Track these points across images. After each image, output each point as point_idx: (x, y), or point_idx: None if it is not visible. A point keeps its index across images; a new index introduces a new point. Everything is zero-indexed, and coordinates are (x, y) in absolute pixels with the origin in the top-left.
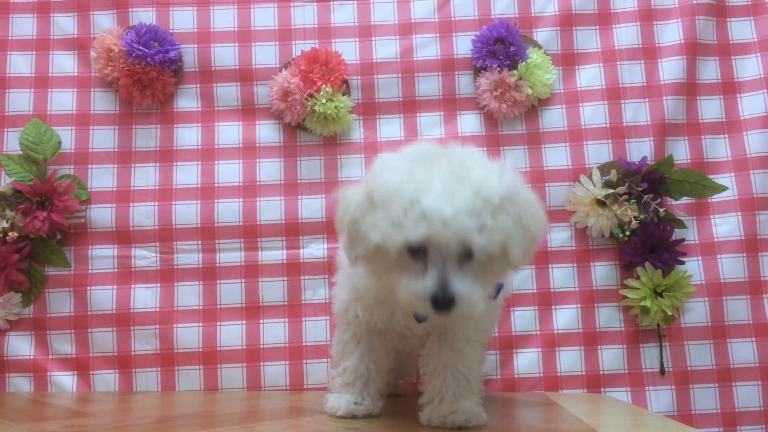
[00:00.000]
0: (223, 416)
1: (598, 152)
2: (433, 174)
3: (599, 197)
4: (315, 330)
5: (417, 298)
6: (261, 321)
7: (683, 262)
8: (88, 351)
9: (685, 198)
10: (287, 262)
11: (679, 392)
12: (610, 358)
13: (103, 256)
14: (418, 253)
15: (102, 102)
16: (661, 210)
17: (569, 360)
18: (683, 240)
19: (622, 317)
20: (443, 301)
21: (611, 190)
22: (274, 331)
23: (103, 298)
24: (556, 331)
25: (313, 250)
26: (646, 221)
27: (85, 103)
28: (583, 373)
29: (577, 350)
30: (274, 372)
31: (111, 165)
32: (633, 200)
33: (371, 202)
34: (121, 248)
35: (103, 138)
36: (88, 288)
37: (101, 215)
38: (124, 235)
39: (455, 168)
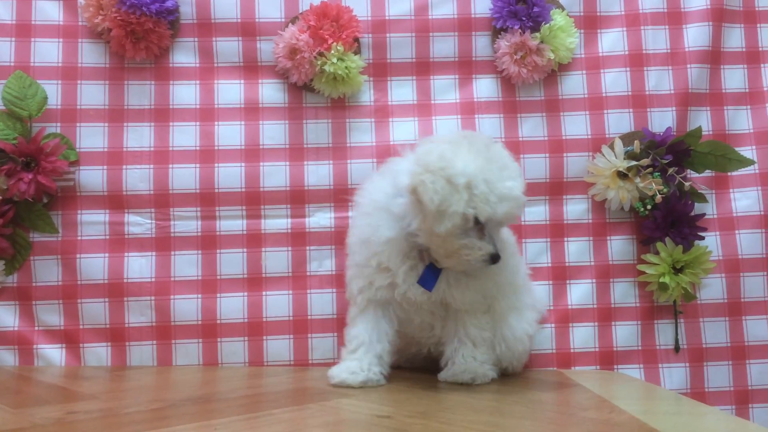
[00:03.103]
0: (225, 401)
1: (619, 122)
2: (494, 162)
3: (621, 169)
4: (321, 303)
5: (480, 257)
6: (264, 293)
7: (703, 238)
8: (77, 323)
9: (706, 171)
10: (292, 231)
11: (693, 370)
12: (624, 334)
13: (93, 221)
14: (479, 222)
15: (91, 54)
16: (687, 184)
17: (583, 336)
18: (703, 215)
19: (637, 293)
20: (498, 257)
21: (634, 162)
22: (277, 304)
23: (93, 266)
24: (570, 307)
25: (320, 219)
26: (668, 195)
27: (71, 56)
28: (597, 349)
29: (591, 326)
30: (278, 346)
31: (101, 124)
32: (657, 173)
33: (454, 186)
34: (114, 214)
35: (93, 94)
36: (78, 256)
37: (91, 178)
38: (116, 200)
39: (504, 159)
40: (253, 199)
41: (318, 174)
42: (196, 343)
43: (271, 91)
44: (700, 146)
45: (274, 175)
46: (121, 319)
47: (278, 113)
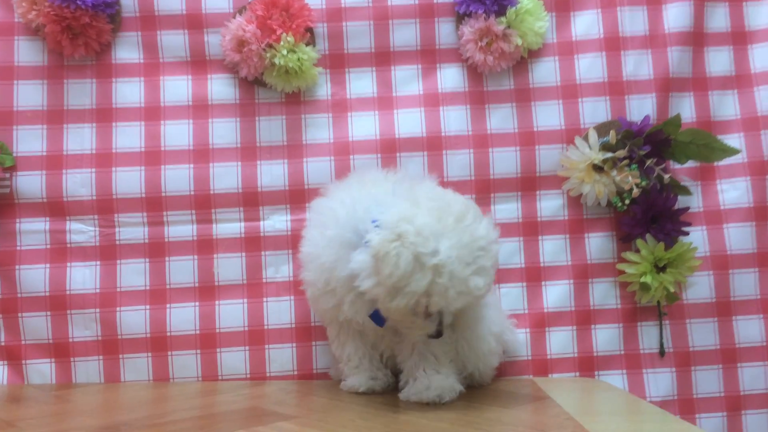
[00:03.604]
0: (175, 422)
1: (595, 111)
2: (470, 250)
3: (596, 162)
4: (278, 311)
5: (421, 334)
6: (217, 302)
7: (687, 233)
8: (19, 338)
9: (689, 161)
10: (246, 236)
11: (680, 375)
12: (605, 338)
13: (33, 230)
14: None
15: (28, 52)
16: (666, 176)
17: (560, 341)
18: (687, 208)
19: (618, 294)
20: (440, 334)
21: (610, 154)
22: (231, 314)
23: (34, 278)
24: (546, 310)
25: (275, 222)
26: (647, 188)
27: (7, 54)
28: (575, 355)
29: (569, 330)
30: (233, 359)
31: (39, 126)
32: (634, 165)
33: (420, 265)
34: (54, 222)
35: (30, 94)
36: (17, 267)
37: (29, 184)
38: (56, 207)
39: (482, 243)
40: (203, 203)
41: (272, 174)
42: (145, 357)
43: (220, 87)
44: (681, 135)
45: (225, 177)
46: (64, 334)
47: (229, 110)
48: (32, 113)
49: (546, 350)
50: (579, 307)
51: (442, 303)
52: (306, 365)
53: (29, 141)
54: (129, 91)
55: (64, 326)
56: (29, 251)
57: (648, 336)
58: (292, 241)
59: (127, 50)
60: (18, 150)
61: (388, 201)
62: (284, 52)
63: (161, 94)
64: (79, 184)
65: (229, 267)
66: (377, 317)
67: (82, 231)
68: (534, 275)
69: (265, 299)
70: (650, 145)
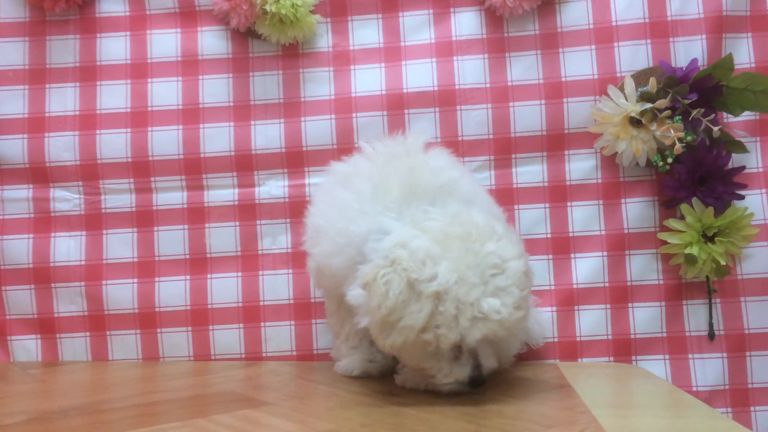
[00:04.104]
0: (165, 406)
1: (634, 56)
2: (478, 269)
3: (633, 114)
4: (274, 286)
5: (458, 382)
6: (209, 276)
7: (743, 197)
8: (3, 313)
9: (746, 113)
10: (239, 203)
11: (733, 361)
12: (645, 319)
13: (16, 198)
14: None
15: (8, 7)
16: (715, 129)
17: (592, 321)
18: (743, 168)
19: (660, 268)
20: (481, 382)
21: (649, 105)
22: (224, 288)
23: (18, 249)
24: (575, 286)
25: (271, 188)
26: (694, 144)
27: None
28: (610, 337)
29: (602, 309)
30: (226, 338)
31: (21, 87)
32: (678, 117)
33: (415, 293)
34: (38, 189)
35: (11, 53)
36: (0, 237)
37: (11, 149)
38: (39, 173)
39: (494, 259)
40: (194, 168)
41: (267, 135)
42: (133, 334)
43: (211, 40)
44: (734, 81)
45: (217, 139)
46: (49, 309)
47: (220, 66)
48: (13, 73)
49: (575, 331)
50: (614, 282)
51: (453, 336)
52: (306, 345)
53: (11, 102)
54: (114, 47)
55: (49, 300)
56: (12, 221)
57: (695, 316)
58: (290, 209)
59: (112, 2)
60: (0, 112)
61: (389, 225)
62: None
63: (148, 50)
64: (62, 148)
65: (222, 237)
66: None
67: (66, 199)
68: (562, 247)
69: (261, 273)
70: (697, 93)
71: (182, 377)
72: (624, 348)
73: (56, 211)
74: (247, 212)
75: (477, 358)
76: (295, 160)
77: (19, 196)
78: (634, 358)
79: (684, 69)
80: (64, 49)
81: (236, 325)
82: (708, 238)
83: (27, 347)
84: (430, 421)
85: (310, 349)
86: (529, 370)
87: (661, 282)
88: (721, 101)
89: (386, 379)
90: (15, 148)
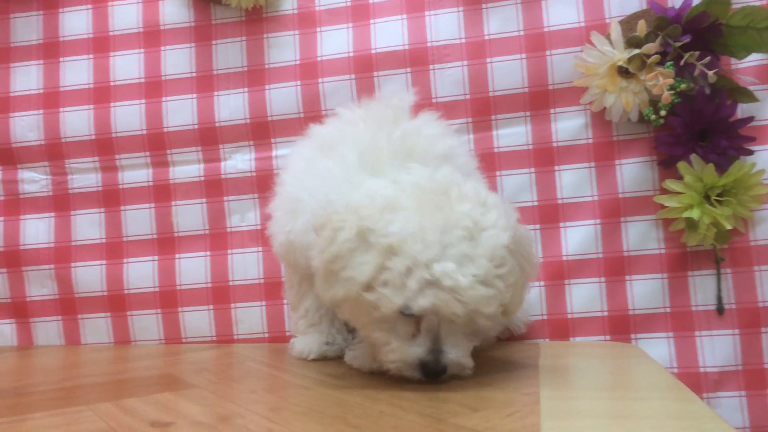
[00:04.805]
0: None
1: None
2: (443, 229)
3: (620, 63)
4: (244, 265)
5: (405, 364)
6: (177, 256)
7: (751, 152)
8: None
9: (754, 55)
10: (205, 178)
11: (746, 338)
12: (644, 292)
13: None
14: (413, 315)
15: None
16: (710, 73)
17: (585, 297)
18: (751, 119)
19: (661, 236)
20: (435, 371)
21: (636, 51)
22: (193, 269)
23: None
24: (565, 258)
25: (237, 162)
26: (691, 93)
27: None
28: (605, 313)
29: (596, 283)
30: (196, 320)
31: None
32: (669, 63)
33: (365, 242)
34: (6, 171)
35: None
36: None
37: None
38: (6, 154)
39: (466, 222)
40: (157, 143)
41: (230, 106)
42: (104, 317)
43: (173, 9)
44: (733, 18)
45: (179, 112)
46: (21, 292)
47: (183, 35)
48: None
49: (566, 307)
50: (609, 253)
51: (397, 299)
52: (278, 326)
53: None
54: (76, 21)
55: (21, 284)
56: None
57: (702, 289)
58: (257, 184)
59: None
60: None
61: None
62: None
63: (110, 22)
64: (26, 128)
65: (189, 215)
66: None
67: (33, 180)
68: (550, 215)
69: (229, 251)
70: (691, 35)
71: (134, 360)
72: (622, 325)
73: (24, 192)
74: (214, 188)
75: (436, 342)
76: (261, 131)
77: None
78: (633, 336)
79: (676, 9)
80: (27, 26)
81: (206, 306)
82: (711, 199)
83: (2, 332)
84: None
85: (283, 330)
86: (505, 349)
87: (663, 251)
88: (721, 43)
89: (340, 362)
90: None
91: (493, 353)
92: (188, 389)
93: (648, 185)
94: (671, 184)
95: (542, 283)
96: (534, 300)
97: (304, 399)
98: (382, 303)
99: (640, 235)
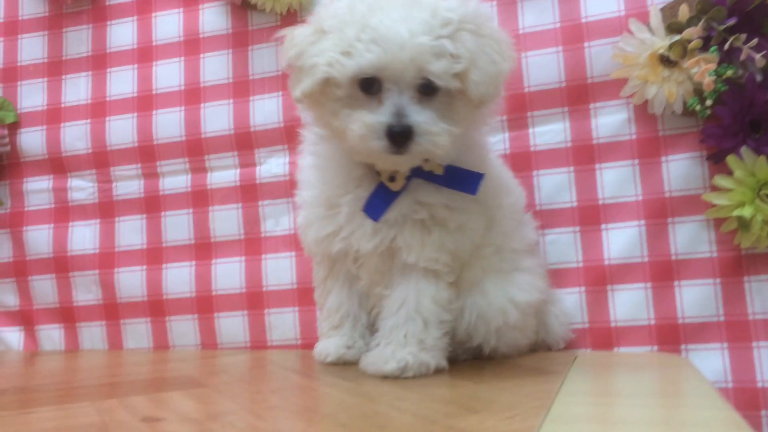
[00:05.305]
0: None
1: None
2: (398, 4)
3: (662, 51)
4: (277, 271)
5: (371, 132)
6: (213, 261)
7: None
8: (31, 303)
9: None
10: (241, 183)
11: None
12: (695, 299)
13: (38, 190)
14: (372, 88)
15: (30, 4)
16: (758, 57)
17: (629, 304)
18: None
19: (712, 237)
20: (400, 132)
21: (677, 37)
22: (228, 274)
23: (40, 239)
24: (607, 262)
25: (272, 166)
26: (740, 81)
27: (12, 8)
28: (652, 322)
29: (642, 289)
30: (231, 326)
31: (40, 79)
32: (713, 48)
33: (321, 32)
34: (57, 179)
35: (33, 48)
36: (24, 228)
37: (32, 141)
38: (57, 163)
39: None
40: (196, 149)
41: (265, 110)
42: (144, 323)
43: (212, 17)
44: None
45: (217, 118)
46: (69, 298)
47: (221, 42)
48: (34, 67)
49: (609, 315)
50: (655, 256)
51: (350, 62)
52: (310, 333)
53: (32, 96)
54: (123, 33)
55: (68, 290)
56: (35, 212)
57: (760, 295)
58: (291, 188)
59: None
60: (22, 106)
61: None
62: None
63: (153, 33)
64: (75, 137)
65: (225, 221)
66: (375, 204)
67: (81, 188)
68: (591, 217)
69: (264, 257)
70: (737, 17)
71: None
72: (671, 335)
73: (73, 200)
74: (249, 193)
75: (400, 109)
76: (295, 134)
77: (41, 187)
78: (683, 347)
79: None
80: (78, 40)
81: (240, 312)
82: (765, 195)
83: (51, 336)
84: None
85: (315, 337)
86: (536, 357)
87: (714, 254)
88: None
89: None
90: (35, 140)
91: (520, 360)
92: (197, 389)
93: (697, 183)
94: (721, 180)
95: (583, 288)
96: (574, 307)
97: (303, 399)
98: (339, 71)
99: (689, 237)
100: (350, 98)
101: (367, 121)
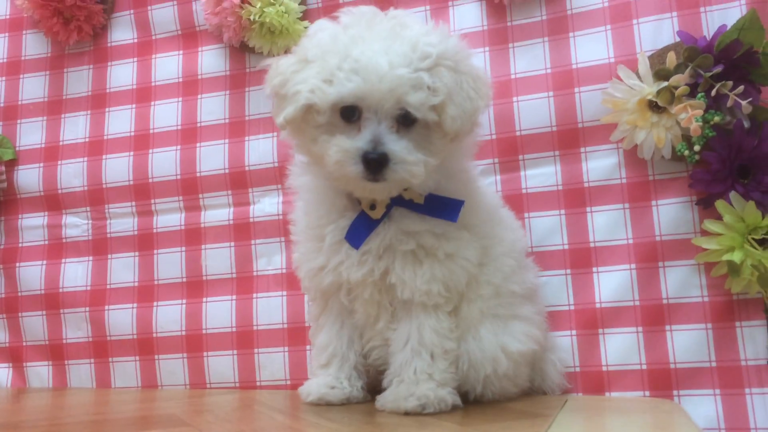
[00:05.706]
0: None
1: (656, 33)
2: (370, 31)
3: (650, 97)
4: (268, 310)
5: (347, 158)
6: (204, 299)
7: None
8: (20, 339)
9: None
10: (234, 222)
11: None
12: (687, 344)
13: (33, 226)
14: (352, 116)
15: (33, 45)
16: (744, 103)
17: (621, 348)
18: None
19: (703, 282)
20: (375, 159)
21: (665, 83)
22: (219, 313)
23: (32, 276)
24: (598, 305)
25: (265, 205)
26: (728, 126)
27: (16, 49)
28: (644, 367)
29: (633, 333)
30: (220, 365)
31: (40, 118)
32: (701, 94)
33: (305, 61)
34: (52, 216)
35: (34, 87)
36: (17, 264)
37: (29, 178)
38: (53, 200)
39: (392, 24)
40: (190, 188)
41: (260, 150)
42: (133, 361)
43: (211, 59)
44: None
45: (212, 157)
46: (58, 335)
47: (219, 83)
48: (34, 106)
49: (600, 359)
50: (646, 300)
51: (331, 90)
52: (300, 373)
53: (31, 134)
54: (123, 74)
55: (59, 326)
56: (29, 248)
57: (752, 341)
58: (284, 227)
59: (122, 31)
60: (20, 144)
61: None
62: (258, 5)
63: (152, 74)
64: (72, 175)
65: (218, 259)
66: (356, 232)
67: (76, 225)
68: (581, 259)
69: (255, 295)
70: (724, 65)
71: (147, 402)
72: (662, 380)
73: (67, 237)
74: (242, 231)
75: (377, 137)
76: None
77: (36, 224)
78: (675, 392)
79: (708, 38)
80: (79, 80)
81: (230, 351)
82: (754, 240)
83: (40, 373)
84: None
85: (305, 377)
86: (525, 400)
87: (706, 299)
88: (761, 73)
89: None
90: (32, 177)
91: (509, 403)
92: (180, 427)
93: (688, 227)
94: (710, 225)
95: (574, 332)
96: (565, 350)
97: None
98: (319, 98)
99: (680, 281)
100: (331, 125)
101: (344, 146)
